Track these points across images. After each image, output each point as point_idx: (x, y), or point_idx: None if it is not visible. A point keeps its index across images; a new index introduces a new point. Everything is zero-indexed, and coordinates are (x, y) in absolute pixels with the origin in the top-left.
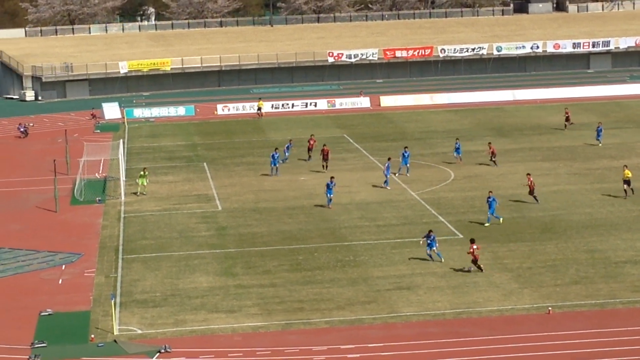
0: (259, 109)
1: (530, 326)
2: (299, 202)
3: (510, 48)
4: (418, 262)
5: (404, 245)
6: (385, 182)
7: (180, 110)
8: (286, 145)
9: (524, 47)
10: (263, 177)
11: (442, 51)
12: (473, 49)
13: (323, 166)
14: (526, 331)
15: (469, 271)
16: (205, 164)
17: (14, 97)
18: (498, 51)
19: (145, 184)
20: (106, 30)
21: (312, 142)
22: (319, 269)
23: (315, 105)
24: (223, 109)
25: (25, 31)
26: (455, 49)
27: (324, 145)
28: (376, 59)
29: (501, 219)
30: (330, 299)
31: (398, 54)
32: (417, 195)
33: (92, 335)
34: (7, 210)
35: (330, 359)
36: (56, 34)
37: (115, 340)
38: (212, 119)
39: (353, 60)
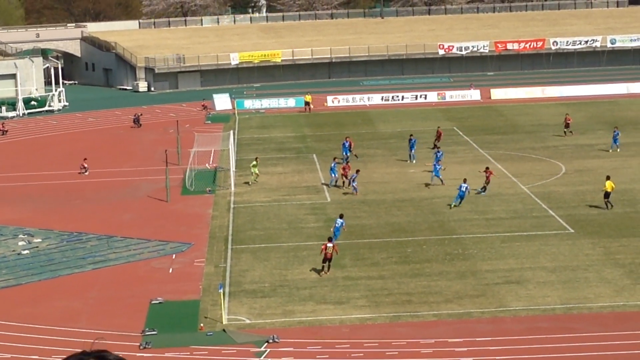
0: (307, 103)
1: None
2: (407, 194)
3: (624, 40)
4: (528, 257)
5: (513, 239)
6: (331, 181)
7: (291, 102)
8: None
9: (639, 39)
10: (371, 169)
11: (555, 44)
12: (586, 42)
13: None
14: (639, 328)
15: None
16: (314, 155)
17: (127, 87)
18: (612, 44)
19: (257, 172)
20: (218, 22)
21: (350, 141)
22: (427, 262)
23: (425, 98)
24: (333, 101)
25: (139, 23)
26: (568, 42)
27: (347, 137)
28: (487, 51)
29: (453, 204)
30: (438, 292)
31: (509, 46)
32: (527, 188)
33: (202, 324)
34: (120, 199)
35: (438, 352)
36: (169, 26)
37: (224, 330)
38: (322, 110)
39: (464, 52)
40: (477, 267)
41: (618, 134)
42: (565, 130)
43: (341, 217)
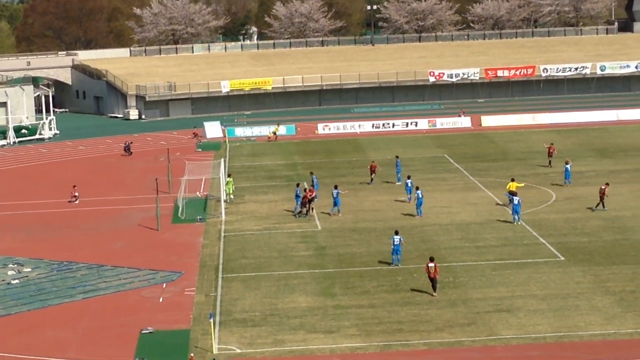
0: (274, 133)
1: (634, 352)
2: (398, 222)
3: (614, 67)
4: (518, 285)
5: (504, 266)
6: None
7: (281, 130)
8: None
9: (628, 66)
10: (362, 197)
11: (545, 70)
12: (576, 69)
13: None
14: (630, 356)
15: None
16: (305, 183)
17: (118, 115)
18: (602, 71)
19: (231, 190)
20: (209, 49)
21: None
22: (418, 290)
23: (416, 125)
24: (324, 129)
25: (130, 51)
26: (558, 69)
27: (372, 161)
28: (477, 78)
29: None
30: (429, 320)
31: (500, 73)
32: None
33: (192, 354)
34: (111, 228)
35: None
36: (160, 54)
37: (214, 359)
38: (312, 138)
39: (454, 79)
40: (467, 295)
41: (568, 167)
42: (550, 159)
43: (397, 233)
